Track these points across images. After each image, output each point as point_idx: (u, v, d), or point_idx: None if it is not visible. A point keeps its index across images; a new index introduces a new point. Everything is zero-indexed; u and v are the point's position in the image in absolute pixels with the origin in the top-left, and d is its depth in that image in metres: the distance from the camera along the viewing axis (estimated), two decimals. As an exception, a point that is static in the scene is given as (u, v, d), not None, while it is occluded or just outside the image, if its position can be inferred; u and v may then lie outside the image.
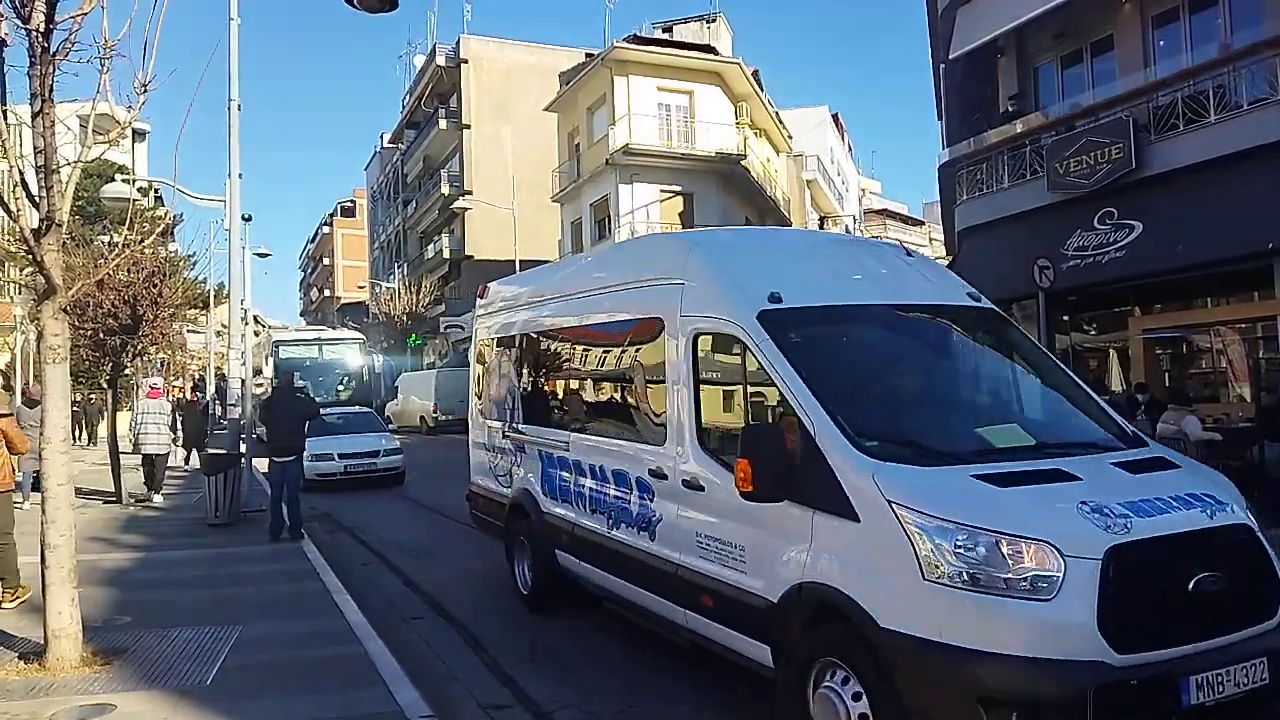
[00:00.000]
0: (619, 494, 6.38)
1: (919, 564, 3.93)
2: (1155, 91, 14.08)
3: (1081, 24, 15.96)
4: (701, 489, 5.34)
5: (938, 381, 5.69)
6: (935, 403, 5.42)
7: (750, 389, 5.31)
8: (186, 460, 20.43)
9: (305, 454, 16.48)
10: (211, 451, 13.99)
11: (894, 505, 4.08)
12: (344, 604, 7.87)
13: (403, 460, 18.82)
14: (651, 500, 5.91)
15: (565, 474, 7.26)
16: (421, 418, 35.84)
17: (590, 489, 6.84)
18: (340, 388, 28.87)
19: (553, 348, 7.99)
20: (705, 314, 5.50)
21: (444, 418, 35.37)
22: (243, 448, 14.17)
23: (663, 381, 5.85)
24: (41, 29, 5.63)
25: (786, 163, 43.47)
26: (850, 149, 63.19)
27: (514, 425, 8.37)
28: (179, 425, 16.42)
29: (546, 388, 8.16)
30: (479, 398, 9.54)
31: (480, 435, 9.37)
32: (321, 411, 19.48)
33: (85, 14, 5.73)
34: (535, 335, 8.25)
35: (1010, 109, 17.02)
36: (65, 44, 5.72)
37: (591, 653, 6.77)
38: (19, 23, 5.63)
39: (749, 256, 6.01)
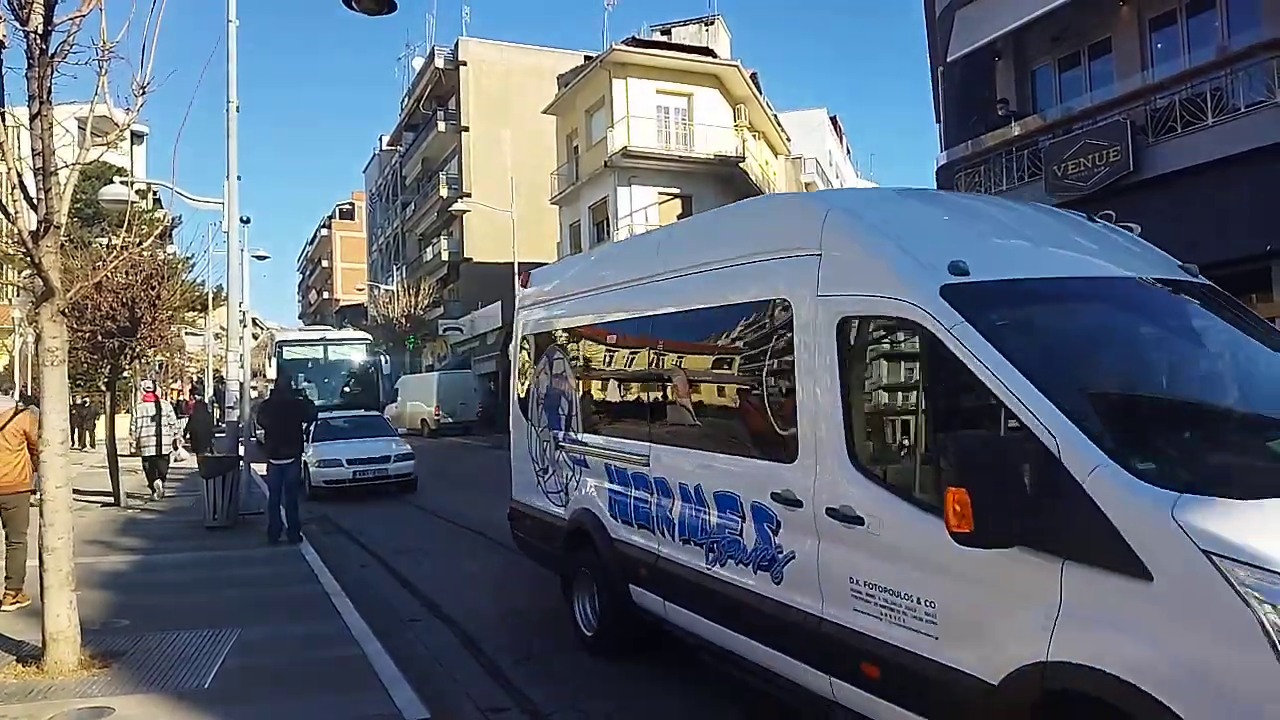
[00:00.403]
0: (725, 522, 5.15)
1: (1275, 647, 2.75)
2: (1153, 94, 14.09)
3: (1079, 27, 15.98)
4: (859, 522, 4.09)
5: (1198, 379, 4.45)
6: (1207, 408, 4.22)
7: (933, 390, 4.07)
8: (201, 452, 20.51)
9: (312, 460, 16.61)
10: (209, 455, 14.06)
11: (1215, 558, 2.87)
12: (342, 606, 7.86)
13: (415, 466, 17.99)
14: (776, 532, 4.70)
15: (643, 494, 6.06)
16: (423, 420, 35.93)
17: (680, 514, 5.62)
18: (346, 390, 28.48)
19: (625, 342, 6.67)
20: (857, 292, 4.30)
21: (445, 420, 35.49)
22: (241, 450, 14.19)
23: (791, 381, 4.67)
24: (40, 31, 5.63)
25: (785, 165, 43.48)
26: (849, 151, 63.30)
27: (571, 434, 7.17)
28: (162, 426, 16.53)
29: (616, 390, 6.90)
30: (523, 401, 8.26)
31: (526, 445, 8.07)
32: (329, 415, 19.48)
33: (84, 16, 5.73)
34: (600, 327, 6.99)
35: (1000, 113, 17.02)
36: (63, 46, 5.72)
37: (586, 657, 6.75)
38: (17, 25, 5.62)
39: (907, 217, 4.83)
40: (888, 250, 4.28)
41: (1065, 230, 5.02)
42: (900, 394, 4.40)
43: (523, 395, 8.27)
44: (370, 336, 34.54)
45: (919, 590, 3.81)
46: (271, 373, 29.11)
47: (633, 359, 6.54)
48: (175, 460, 17.26)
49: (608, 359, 6.96)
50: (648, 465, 6.02)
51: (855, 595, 4.15)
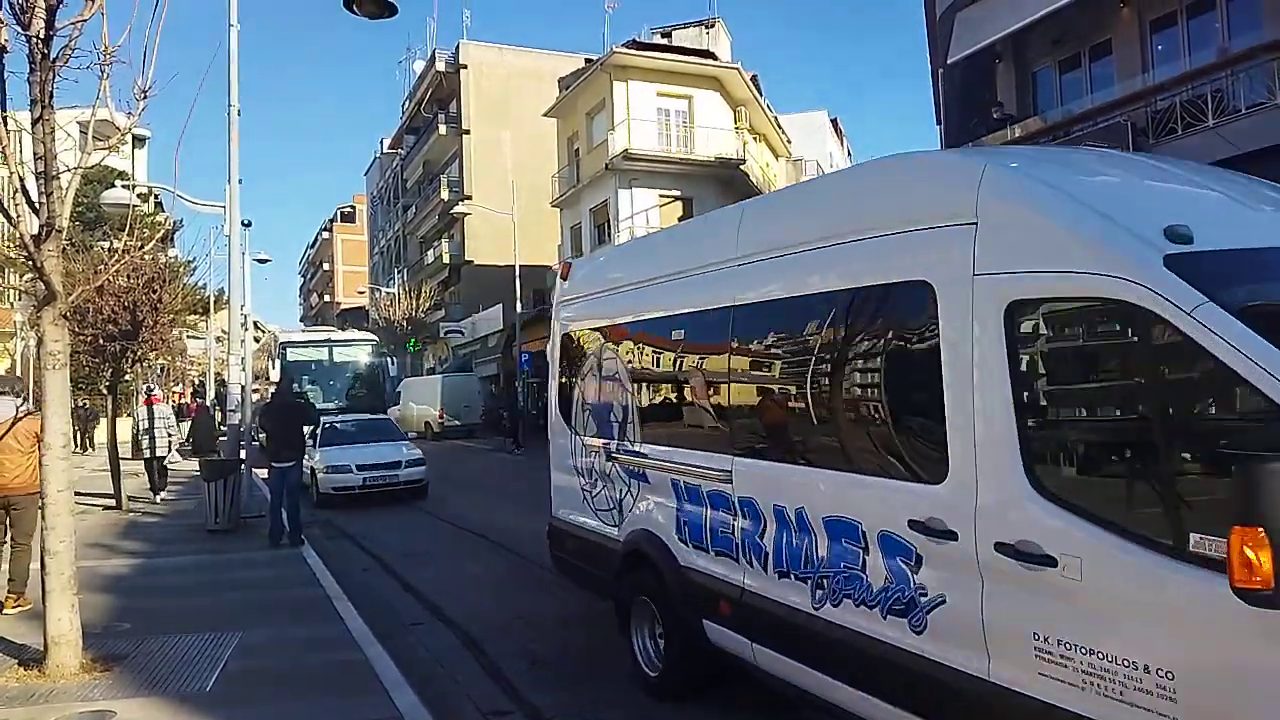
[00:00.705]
0: (840, 554, 4.24)
1: None
2: (1154, 96, 14.11)
3: (1080, 29, 16.00)
4: (1049, 562, 3.23)
5: None
6: None
7: (1167, 392, 3.19)
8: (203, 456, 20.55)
9: (320, 466, 16.48)
10: (210, 458, 14.10)
11: None
12: (344, 610, 7.87)
13: (426, 471, 17.30)
14: (916, 569, 3.82)
15: (723, 516, 5.16)
16: (426, 423, 35.93)
17: (775, 541, 4.71)
18: (351, 392, 28.08)
19: (697, 338, 5.68)
20: (1034, 269, 3.42)
21: (450, 423, 35.46)
22: (242, 454, 14.21)
23: (934, 382, 3.74)
24: (41, 35, 5.65)
25: (786, 167, 43.48)
26: (850, 154, 63.29)
27: (627, 444, 6.28)
28: (156, 429, 16.60)
29: (686, 394, 5.89)
30: (564, 407, 7.37)
31: (568, 456, 7.18)
32: (335, 419, 19.37)
33: (85, 20, 5.74)
34: (663, 321, 6.04)
35: (996, 116, 17.04)
36: (65, 50, 5.74)
37: (597, 662, 6.73)
38: (19, 29, 5.64)
39: (1083, 174, 3.95)
40: (1078, 214, 3.37)
41: (1271, 193, 4.13)
42: (1107, 397, 3.48)
43: (564, 400, 7.40)
44: (376, 338, 34.33)
45: (1148, 657, 2.94)
46: (275, 375, 28.82)
47: (708, 358, 5.56)
48: (168, 463, 17.28)
49: (674, 358, 6.00)
50: (729, 482, 5.11)
51: (1043, 656, 3.25)
